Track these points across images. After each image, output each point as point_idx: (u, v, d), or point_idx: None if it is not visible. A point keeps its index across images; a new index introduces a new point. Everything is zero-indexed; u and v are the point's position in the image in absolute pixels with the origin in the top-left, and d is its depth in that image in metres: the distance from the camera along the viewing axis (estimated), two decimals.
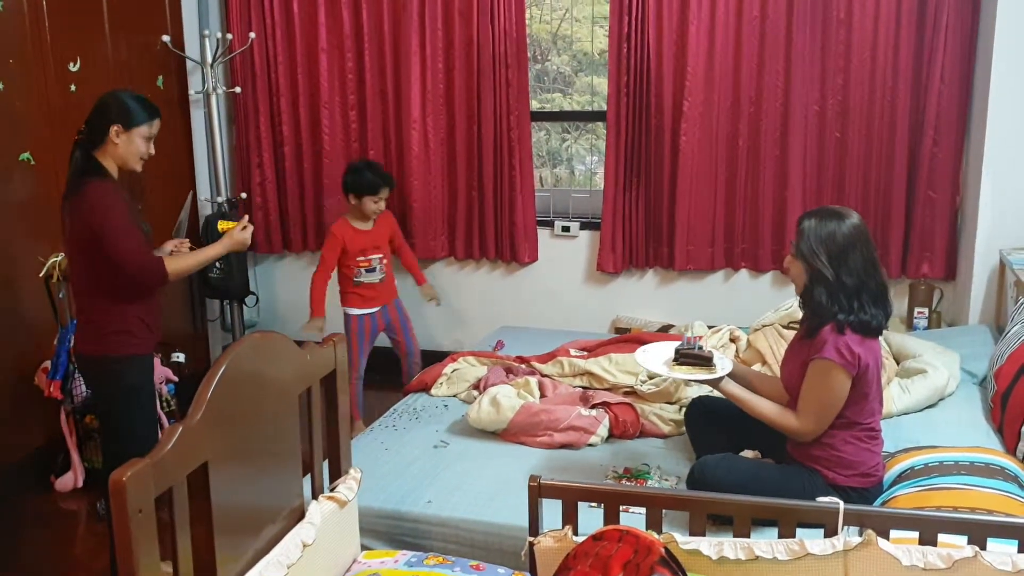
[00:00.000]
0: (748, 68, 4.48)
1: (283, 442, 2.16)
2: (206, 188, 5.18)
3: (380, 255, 4.36)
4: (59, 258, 3.81)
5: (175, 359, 4.35)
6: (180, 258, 3.10)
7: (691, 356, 2.69)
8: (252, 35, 5.03)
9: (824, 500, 2.07)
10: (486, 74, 4.80)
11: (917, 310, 4.32)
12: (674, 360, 2.72)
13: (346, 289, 4.36)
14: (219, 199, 5.09)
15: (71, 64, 4.21)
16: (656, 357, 2.80)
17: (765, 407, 2.65)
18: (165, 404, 4.09)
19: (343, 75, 5.03)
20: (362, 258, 4.31)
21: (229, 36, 5.02)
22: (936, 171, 4.34)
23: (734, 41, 4.48)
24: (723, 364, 2.72)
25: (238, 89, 5.11)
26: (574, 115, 5.26)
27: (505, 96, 4.79)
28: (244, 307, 5.25)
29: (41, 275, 3.86)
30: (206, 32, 4.92)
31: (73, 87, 4.22)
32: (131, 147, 2.93)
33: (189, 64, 4.99)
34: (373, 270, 4.33)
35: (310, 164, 5.19)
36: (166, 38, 4.80)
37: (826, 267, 2.52)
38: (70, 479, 3.99)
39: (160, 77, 4.85)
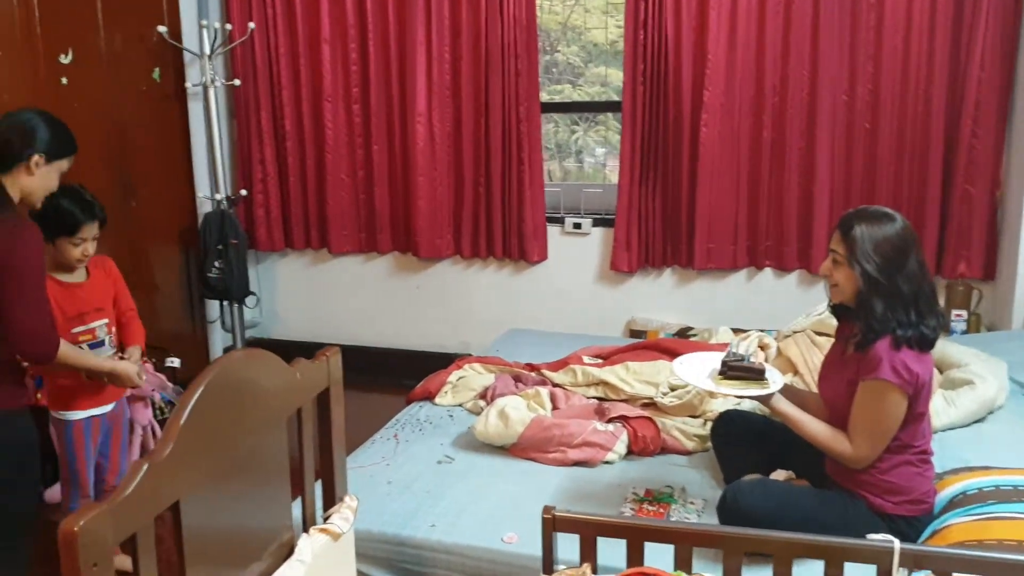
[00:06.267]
0: (772, 55, 4.29)
1: (270, 471, 1.95)
2: (205, 185, 4.99)
3: (106, 319, 3.00)
4: None
5: (170, 364, 4.14)
6: (76, 353, 2.74)
7: (741, 369, 2.45)
8: (252, 25, 4.88)
9: (876, 537, 1.85)
10: (494, 64, 4.61)
11: (955, 312, 4.11)
12: (720, 373, 2.48)
13: (58, 382, 2.95)
14: (218, 196, 4.90)
15: (62, 56, 4.05)
16: (696, 369, 2.55)
17: (818, 429, 2.42)
18: (159, 413, 3.91)
19: (347, 66, 4.88)
20: (81, 327, 2.92)
21: (228, 26, 4.88)
22: (975, 164, 4.14)
23: (757, 27, 4.29)
24: (775, 378, 2.49)
25: (237, 81, 4.95)
26: (587, 106, 5.07)
27: (514, 87, 4.61)
28: (245, 307, 5.07)
29: None
30: (204, 22, 4.75)
31: (64, 80, 4.06)
32: (46, 181, 2.51)
33: (187, 56, 4.81)
34: (101, 343, 2.97)
35: (313, 159, 5.05)
36: (162, 29, 4.63)
37: (883, 273, 2.31)
38: (59, 489, 3.81)
39: (156, 69, 4.69)
